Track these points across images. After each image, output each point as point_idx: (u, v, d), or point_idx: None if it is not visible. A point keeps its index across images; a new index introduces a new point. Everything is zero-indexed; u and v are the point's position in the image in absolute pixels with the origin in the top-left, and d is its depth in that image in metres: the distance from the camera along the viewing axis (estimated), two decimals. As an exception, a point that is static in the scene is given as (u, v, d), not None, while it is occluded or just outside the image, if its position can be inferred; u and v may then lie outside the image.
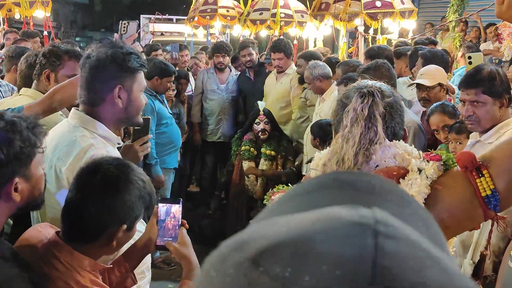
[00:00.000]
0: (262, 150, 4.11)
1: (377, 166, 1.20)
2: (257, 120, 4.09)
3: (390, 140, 1.24)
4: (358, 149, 1.19)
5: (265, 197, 1.48)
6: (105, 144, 1.60)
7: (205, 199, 5.34)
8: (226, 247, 0.32)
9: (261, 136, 4.07)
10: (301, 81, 4.42)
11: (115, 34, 2.05)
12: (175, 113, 4.44)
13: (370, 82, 1.30)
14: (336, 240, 0.29)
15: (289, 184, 1.49)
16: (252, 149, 4.11)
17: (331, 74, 3.97)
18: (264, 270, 0.29)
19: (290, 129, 4.58)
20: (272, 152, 4.11)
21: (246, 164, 4.09)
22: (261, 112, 4.10)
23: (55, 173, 1.55)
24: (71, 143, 1.57)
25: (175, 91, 4.59)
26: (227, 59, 5.17)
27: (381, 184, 0.38)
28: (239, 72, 5.36)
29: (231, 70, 5.30)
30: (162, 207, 1.46)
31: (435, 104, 2.90)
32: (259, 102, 4.19)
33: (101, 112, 1.62)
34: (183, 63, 5.57)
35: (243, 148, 4.12)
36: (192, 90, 5.35)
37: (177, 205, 1.47)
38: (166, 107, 4.13)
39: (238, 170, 4.14)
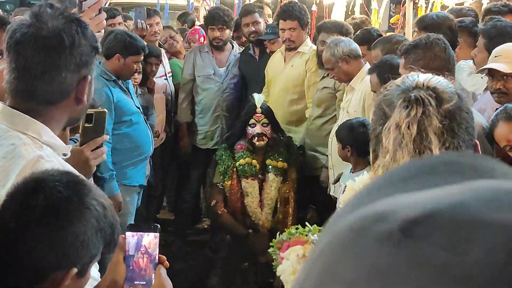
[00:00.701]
0: (269, 162, 4.10)
1: None
2: (252, 121, 4.09)
3: None
4: None
5: (271, 244, 1.48)
6: (55, 156, 1.59)
7: (182, 230, 5.33)
8: (358, 221, 0.37)
9: (257, 143, 4.06)
10: (322, 63, 4.41)
11: None
12: (142, 106, 4.43)
13: (421, 78, 1.28)
14: (505, 209, 0.35)
15: (308, 224, 1.48)
16: (254, 161, 4.10)
17: (360, 51, 4.00)
18: (421, 239, 0.34)
19: (304, 132, 4.60)
20: (285, 164, 4.11)
21: (248, 184, 4.08)
22: (258, 109, 4.09)
23: None
24: (9, 154, 1.55)
25: (142, 75, 4.59)
26: (227, 33, 5.13)
27: (502, 168, 0.45)
28: (244, 49, 5.35)
29: (233, 47, 5.29)
30: (131, 238, 1.47)
31: (498, 111, 2.89)
32: (255, 95, 4.19)
33: (56, 111, 1.61)
34: (152, 35, 5.53)
35: (241, 161, 4.09)
36: (165, 75, 5.34)
37: (151, 234, 1.47)
38: (132, 98, 4.13)
39: (238, 193, 4.10)
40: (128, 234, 1.47)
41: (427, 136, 1.20)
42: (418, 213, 0.35)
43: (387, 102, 1.28)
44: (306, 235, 1.42)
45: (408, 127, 1.20)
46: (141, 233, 1.47)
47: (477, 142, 1.32)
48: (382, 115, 1.28)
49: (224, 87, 5.11)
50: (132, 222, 4.07)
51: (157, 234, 1.48)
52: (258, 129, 4.05)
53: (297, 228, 1.45)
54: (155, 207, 5.46)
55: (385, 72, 3.28)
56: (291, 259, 1.36)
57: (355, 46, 4.01)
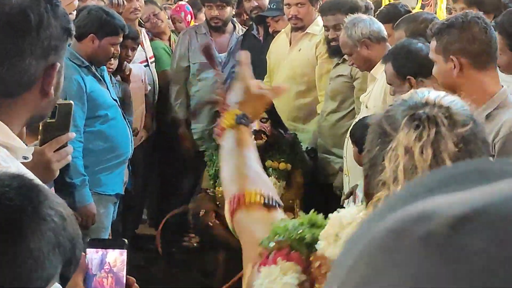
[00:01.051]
0: (269, 163, 4.08)
1: None
2: None
3: None
4: None
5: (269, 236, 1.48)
6: (12, 160, 1.58)
7: (166, 248, 5.31)
8: (399, 222, 0.40)
9: (255, 142, 4.04)
10: (334, 52, 4.42)
11: None
12: (119, 98, 4.43)
13: (431, 95, 1.28)
14: None
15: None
16: None
17: (384, 33, 3.98)
18: (469, 237, 0.37)
19: (314, 130, 4.62)
20: (288, 166, 4.09)
21: None
22: None
23: None
24: None
25: (117, 61, 4.60)
26: (227, 11, 5.17)
27: None
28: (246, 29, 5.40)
29: (235, 28, 5.34)
30: (94, 254, 1.50)
31: None
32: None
33: (15, 106, 1.60)
34: (131, 12, 5.54)
35: None
36: (147, 60, 5.34)
37: (116, 251, 1.51)
38: (108, 89, 4.13)
39: None
40: (90, 250, 1.50)
41: (444, 163, 1.20)
42: (467, 210, 0.39)
43: (390, 120, 1.27)
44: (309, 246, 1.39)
45: (422, 152, 1.20)
46: (105, 249, 1.50)
47: None
48: (381, 134, 1.28)
49: (225, 76, 5.10)
50: (106, 236, 4.06)
51: (124, 251, 1.51)
52: (255, 125, 4.03)
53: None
54: (133, 220, 5.48)
55: (401, 61, 3.26)
56: (268, 276, 1.35)
57: (378, 26, 3.96)
